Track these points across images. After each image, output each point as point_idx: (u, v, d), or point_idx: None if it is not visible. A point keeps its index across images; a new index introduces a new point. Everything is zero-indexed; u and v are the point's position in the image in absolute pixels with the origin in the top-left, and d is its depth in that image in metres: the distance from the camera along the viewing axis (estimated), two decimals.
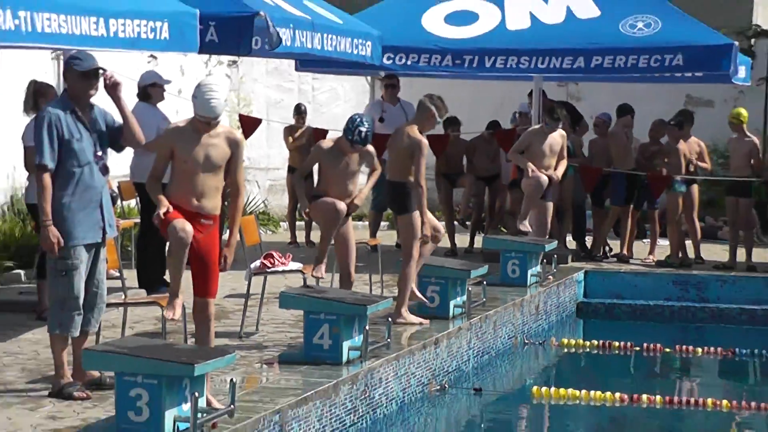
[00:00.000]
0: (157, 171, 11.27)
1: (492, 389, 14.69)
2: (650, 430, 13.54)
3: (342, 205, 14.26)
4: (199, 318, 11.29)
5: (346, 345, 12.66)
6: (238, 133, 11.16)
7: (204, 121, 10.99)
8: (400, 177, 15.01)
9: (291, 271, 14.88)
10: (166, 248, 11.69)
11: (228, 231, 11.72)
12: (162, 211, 10.79)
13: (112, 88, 11.49)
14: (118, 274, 12.96)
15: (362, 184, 15.19)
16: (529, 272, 18.08)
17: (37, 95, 13.50)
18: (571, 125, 21.35)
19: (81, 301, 11.12)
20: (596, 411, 13.94)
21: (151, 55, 15.16)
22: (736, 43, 21.31)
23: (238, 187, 11.71)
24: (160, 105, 15.91)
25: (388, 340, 13.44)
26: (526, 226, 18.46)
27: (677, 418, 14.07)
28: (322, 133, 21.21)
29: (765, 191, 21.13)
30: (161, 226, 10.89)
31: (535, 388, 14.86)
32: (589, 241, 23.10)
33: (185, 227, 10.83)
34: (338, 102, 24.18)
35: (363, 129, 14.16)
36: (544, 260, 19.01)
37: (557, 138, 18.93)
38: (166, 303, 11.59)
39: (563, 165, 19.47)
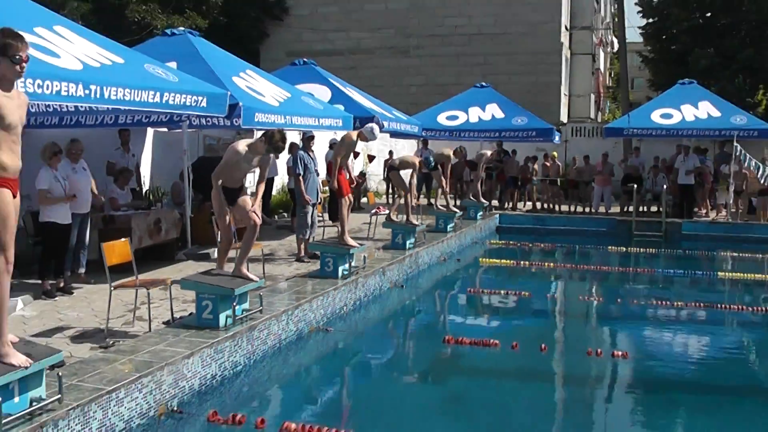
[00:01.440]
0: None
1: (463, 260, 14.41)
2: (526, 280, 13.05)
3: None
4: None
5: (408, 241, 12.47)
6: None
7: (366, 141, 10.79)
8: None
9: (385, 214, 14.78)
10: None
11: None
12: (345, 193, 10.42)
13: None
14: (320, 215, 12.96)
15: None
16: (478, 214, 17.64)
17: (292, 148, 13.57)
18: (501, 158, 20.98)
19: (309, 223, 11.18)
20: (505, 268, 13.45)
21: (335, 133, 14.98)
22: (554, 126, 21.23)
23: None
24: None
25: (424, 240, 13.33)
26: (482, 201, 18.17)
27: (537, 275, 13.73)
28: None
29: (565, 184, 20.91)
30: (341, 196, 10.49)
31: (481, 258, 14.64)
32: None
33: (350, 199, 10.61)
34: (405, 150, 23.80)
35: (432, 161, 14.12)
36: (485, 209, 18.56)
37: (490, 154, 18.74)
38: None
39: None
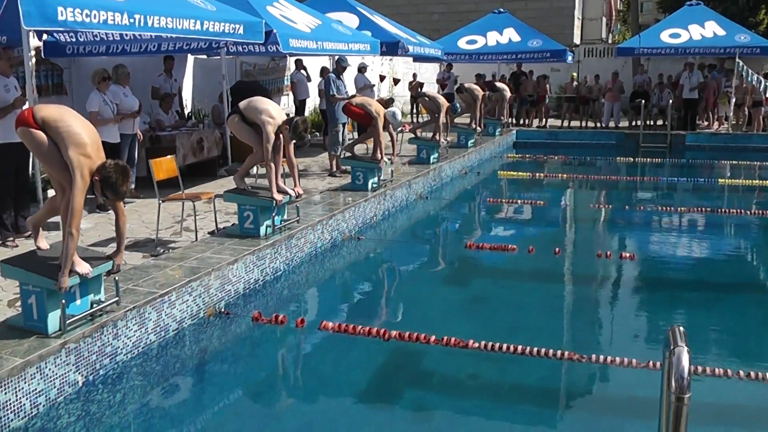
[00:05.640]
0: None
1: (483, 172, 14.14)
2: (541, 190, 12.77)
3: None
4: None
5: (432, 156, 12.23)
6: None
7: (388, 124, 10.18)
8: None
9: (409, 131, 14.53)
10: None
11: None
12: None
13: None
14: (350, 133, 12.76)
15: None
16: (497, 131, 17.41)
17: (323, 72, 13.31)
18: (516, 87, 20.45)
19: (340, 141, 11.03)
20: (521, 180, 13.21)
21: (362, 57, 14.64)
22: (567, 48, 20.48)
23: None
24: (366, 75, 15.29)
25: (447, 155, 13.08)
26: (501, 117, 17.80)
27: (551, 185, 13.38)
28: (420, 84, 20.56)
29: (578, 100, 20.45)
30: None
31: (499, 171, 14.31)
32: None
33: None
34: (428, 73, 23.31)
35: (458, 107, 13.58)
36: (502, 126, 18.20)
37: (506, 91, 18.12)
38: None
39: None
